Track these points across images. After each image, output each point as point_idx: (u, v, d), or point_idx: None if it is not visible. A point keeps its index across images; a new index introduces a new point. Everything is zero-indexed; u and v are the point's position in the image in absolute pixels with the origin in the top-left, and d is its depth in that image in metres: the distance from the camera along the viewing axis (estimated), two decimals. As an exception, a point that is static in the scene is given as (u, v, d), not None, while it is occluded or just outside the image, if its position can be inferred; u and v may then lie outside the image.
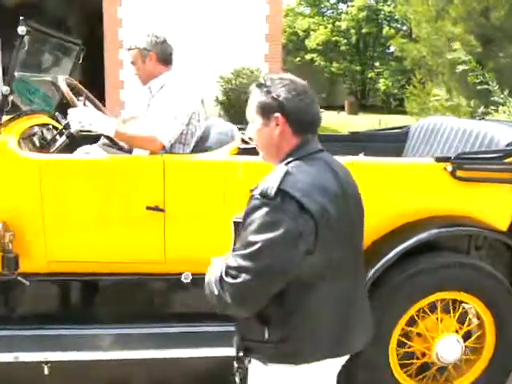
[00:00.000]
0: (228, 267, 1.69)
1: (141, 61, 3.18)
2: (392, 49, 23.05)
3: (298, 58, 25.63)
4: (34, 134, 3.22)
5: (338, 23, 26.10)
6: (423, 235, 2.87)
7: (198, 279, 2.45)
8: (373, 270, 2.77)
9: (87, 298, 3.01)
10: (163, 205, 2.73)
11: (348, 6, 26.74)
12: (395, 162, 3.20)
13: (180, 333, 2.86)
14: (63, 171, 2.79)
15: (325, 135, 3.89)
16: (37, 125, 3.31)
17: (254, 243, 1.65)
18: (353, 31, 25.82)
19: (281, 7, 13.60)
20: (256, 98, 1.83)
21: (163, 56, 3.22)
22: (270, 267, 1.65)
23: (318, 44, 25.39)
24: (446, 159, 2.95)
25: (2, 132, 2.86)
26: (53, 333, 2.79)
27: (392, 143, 4.10)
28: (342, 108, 22.22)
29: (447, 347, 2.87)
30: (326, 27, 25.77)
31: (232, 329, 1.94)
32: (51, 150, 3.00)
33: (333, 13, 27.73)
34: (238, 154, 3.08)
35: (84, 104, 3.40)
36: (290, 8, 26.00)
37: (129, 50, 3.23)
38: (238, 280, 1.66)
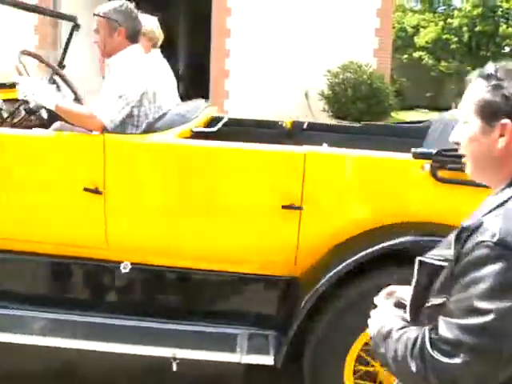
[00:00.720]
0: (439, 339, 1.20)
1: (108, 32, 2.88)
2: (508, 49, 21.89)
3: (405, 56, 24.83)
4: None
5: (449, 20, 25.11)
6: (377, 247, 2.38)
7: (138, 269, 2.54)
8: (317, 286, 2.34)
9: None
10: (103, 187, 2.51)
11: (462, 2, 25.64)
12: (362, 155, 2.60)
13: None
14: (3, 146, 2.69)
15: (337, 125, 3.68)
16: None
17: (485, 312, 1.14)
18: (465, 29, 24.69)
19: (392, 1, 13.10)
20: (478, 92, 1.30)
21: (133, 33, 2.93)
22: (505, 348, 1.15)
23: (427, 42, 24.54)
24: (426, 155, 2.43)
25: None
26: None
27: (412, 138, 3.38)
28: (448, 110, 21.27)
29: None
30: (436, 24, 24.90)
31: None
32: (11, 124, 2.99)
33: (445, 9, 26.70)
34: (189, 137, 2.80)
35: (51, 79, 3.35)
36: (399, 4, 25.26)
37: (95, 15, 2.90)
38: (456, 360, 1.16)
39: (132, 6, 2.96)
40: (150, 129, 2.73)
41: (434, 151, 2.40)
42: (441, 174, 2.40)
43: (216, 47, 12.06)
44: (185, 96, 4.21)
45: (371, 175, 2.54)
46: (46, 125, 3.08)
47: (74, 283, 2.76)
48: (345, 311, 2.38)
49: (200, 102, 3.33)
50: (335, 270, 2.34)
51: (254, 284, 2.64)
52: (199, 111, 3.05)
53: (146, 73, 2.88)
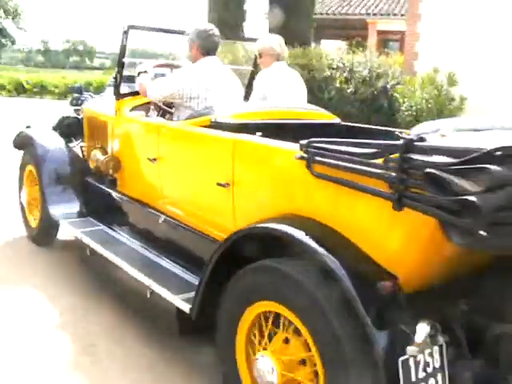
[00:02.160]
0: None
1: (189, 47, 3.76)
2: None
3: None
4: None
5: None
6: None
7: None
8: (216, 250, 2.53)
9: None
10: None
11: None
12: (264, 143, 2.67)
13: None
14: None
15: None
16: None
17: None
18: None
19: None
20: None
21: (204, 48, 3.66)
22: None
23: None
24: (301, 146, 2.24)
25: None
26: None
27: None
28: None
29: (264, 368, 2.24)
30: None
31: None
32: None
33: None
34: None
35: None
36: None
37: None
38: None
39: (211, 28, 3.76)
40: (190, 117, 3.40)
41: (306, 142, 2.24)
42: (314, 167, 2.19)
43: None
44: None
45: (271, 163, 2.59)
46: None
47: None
48: (238, 279, 2.40)
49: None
50: (225, 244, 2.48)
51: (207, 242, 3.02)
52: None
53: (192, 78, 3.54)
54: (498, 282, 2.24)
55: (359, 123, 3.73)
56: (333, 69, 10.28)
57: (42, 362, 3.02)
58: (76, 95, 5.74)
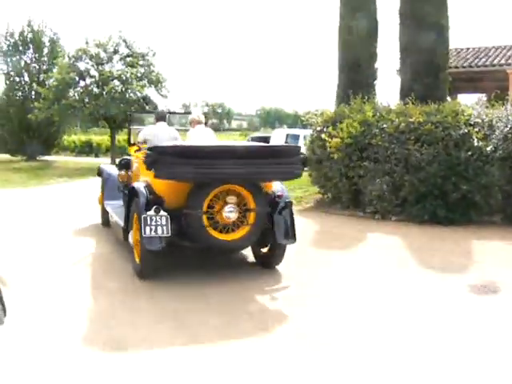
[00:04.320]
0: None
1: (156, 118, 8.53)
2: None
3: None
4: None
5: None
6: None
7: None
8: None
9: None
10: None
11: None
12: None
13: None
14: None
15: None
16: None
17: None
18: None
19: None
20: None
21: (158, 117, 8.22)
22: None
23: None
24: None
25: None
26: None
27: None
28: None
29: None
30: None
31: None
32: None
33: None
34: None
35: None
36: None
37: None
38: None
39: (162, 110, 10.44)
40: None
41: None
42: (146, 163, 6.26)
43: None
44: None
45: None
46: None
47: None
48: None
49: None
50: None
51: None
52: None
53: (149, 131, 7.99)
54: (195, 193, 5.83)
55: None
56: (470, 125, 9.69)
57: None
58: None
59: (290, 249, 6.57)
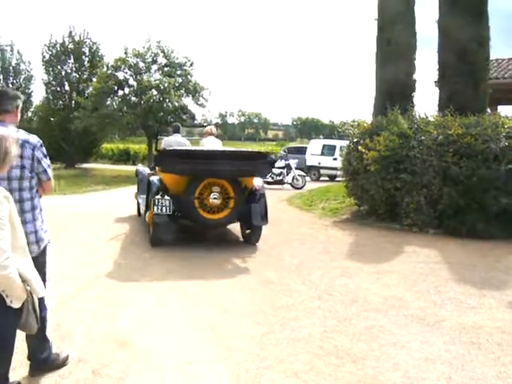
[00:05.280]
0: None
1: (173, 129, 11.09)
2: None
3: None
4: None
5: None
6: None
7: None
8: None
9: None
10: None
11: None
12: None
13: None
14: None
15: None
16: None
17: None
18: None
19: None
20: None
21: (175, 130, 10.63)
22: None
23: None
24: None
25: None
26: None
27: None
28: None
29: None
30: None
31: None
32: None
33: None
34: None
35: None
36: None
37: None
38: None
39: (176, 124, 11.10)
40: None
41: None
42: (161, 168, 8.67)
43: None
44: None
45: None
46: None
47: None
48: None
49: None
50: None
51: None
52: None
53: (167, 141, 10.35)
54: (189, 183, 8.17)
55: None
56: (510, 138, 9.49)
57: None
58: None
59: (323, 260, 6.60)
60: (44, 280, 3.69)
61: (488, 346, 4.61)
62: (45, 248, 3.84)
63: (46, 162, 3.83)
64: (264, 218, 8.49)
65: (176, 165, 7.88)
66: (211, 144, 10.00)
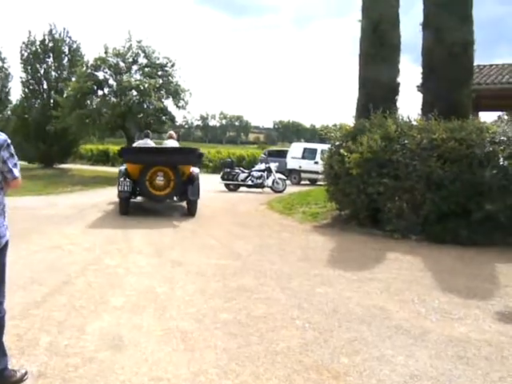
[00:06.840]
0: None
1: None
2: None
3: None
4: None
5: None
6: None
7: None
8: None
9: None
10: None
11: None
12: None
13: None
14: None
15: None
16: None
17: None
18: None
19: None
20: None
21: (146, 135, 14.44)
22: None
23: None
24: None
25: None
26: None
27: None
28: None
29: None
30: None
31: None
32: None
33: None
34: None
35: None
36: None
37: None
38: None
39: (146, 131, 15.33)
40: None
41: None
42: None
43: None
44: None
45: None
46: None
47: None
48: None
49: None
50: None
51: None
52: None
53: (141, 143, 14.19)
54: (142, 170, 12.39)
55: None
56: (495, 143, 9.32)
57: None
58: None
59: (303, 267, 6.26)
60: (2, 282, 3.73)
61: (476, 361, 4.34)
62: (5, 245, 3.73)
63: (12, 161, 3.70)
64: (196, 194, 12.40)
65: (133, 157, 12.51)
66: (170, 144, 14.00)
